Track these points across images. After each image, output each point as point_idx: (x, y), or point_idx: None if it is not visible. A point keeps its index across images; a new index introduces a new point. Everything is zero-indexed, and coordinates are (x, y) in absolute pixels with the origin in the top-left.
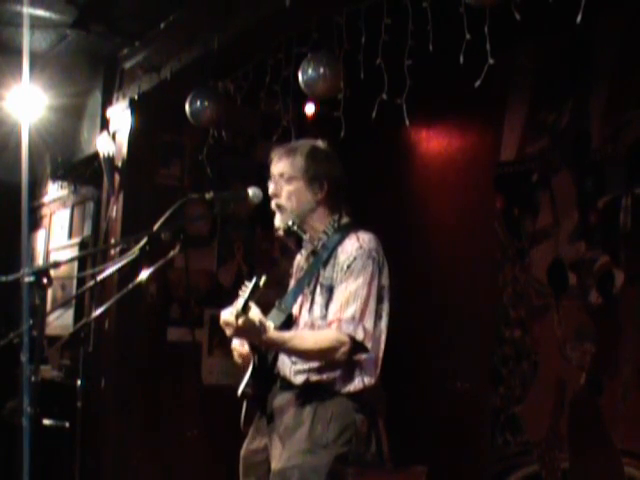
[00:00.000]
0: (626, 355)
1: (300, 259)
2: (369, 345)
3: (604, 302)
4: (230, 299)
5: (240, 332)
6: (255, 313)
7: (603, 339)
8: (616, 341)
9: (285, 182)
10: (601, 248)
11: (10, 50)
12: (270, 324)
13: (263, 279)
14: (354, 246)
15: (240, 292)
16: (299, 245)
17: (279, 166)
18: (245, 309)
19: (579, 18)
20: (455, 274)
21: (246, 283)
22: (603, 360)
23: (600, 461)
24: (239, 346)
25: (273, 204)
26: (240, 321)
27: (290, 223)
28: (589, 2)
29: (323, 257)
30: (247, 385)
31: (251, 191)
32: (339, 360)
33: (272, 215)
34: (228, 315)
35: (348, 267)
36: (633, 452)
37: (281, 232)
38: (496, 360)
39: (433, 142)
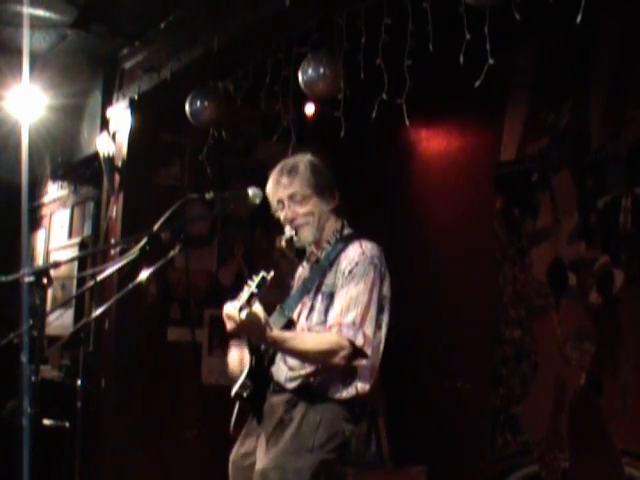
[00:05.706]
0: (626, 355)
1: (302, 271)
2: (368, 351)
3: (604, 302)
4: (230, 299)
5: (243, 326)
6: (259, 308)
7: (603, 339)
8: (616, 341)
9: (298, 203)
10: (601, 248)
11: (10, 50)
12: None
13: (271, 273)
14: (356, 252)
15: (245, 287)
16: (299, 256)
17: (286, 190)
18: (250, 301)
19: (579, 18)
20: (455, 274)
21: (252, 277)
22: (603, 360)
23: (600, 461)
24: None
25: (289, 228)
26: (243, 314)
27: (292, 235)
28: (589, 2)
29: (325, 265)
30: (242, 386)
31: (251, 191)
32: (337, 364)
33: (277, 221)
34: (231, 308)
35: (350, 272)
36: (633, 452)
37: (283, 244)
38: (496, 360)
39: (433, 142)
